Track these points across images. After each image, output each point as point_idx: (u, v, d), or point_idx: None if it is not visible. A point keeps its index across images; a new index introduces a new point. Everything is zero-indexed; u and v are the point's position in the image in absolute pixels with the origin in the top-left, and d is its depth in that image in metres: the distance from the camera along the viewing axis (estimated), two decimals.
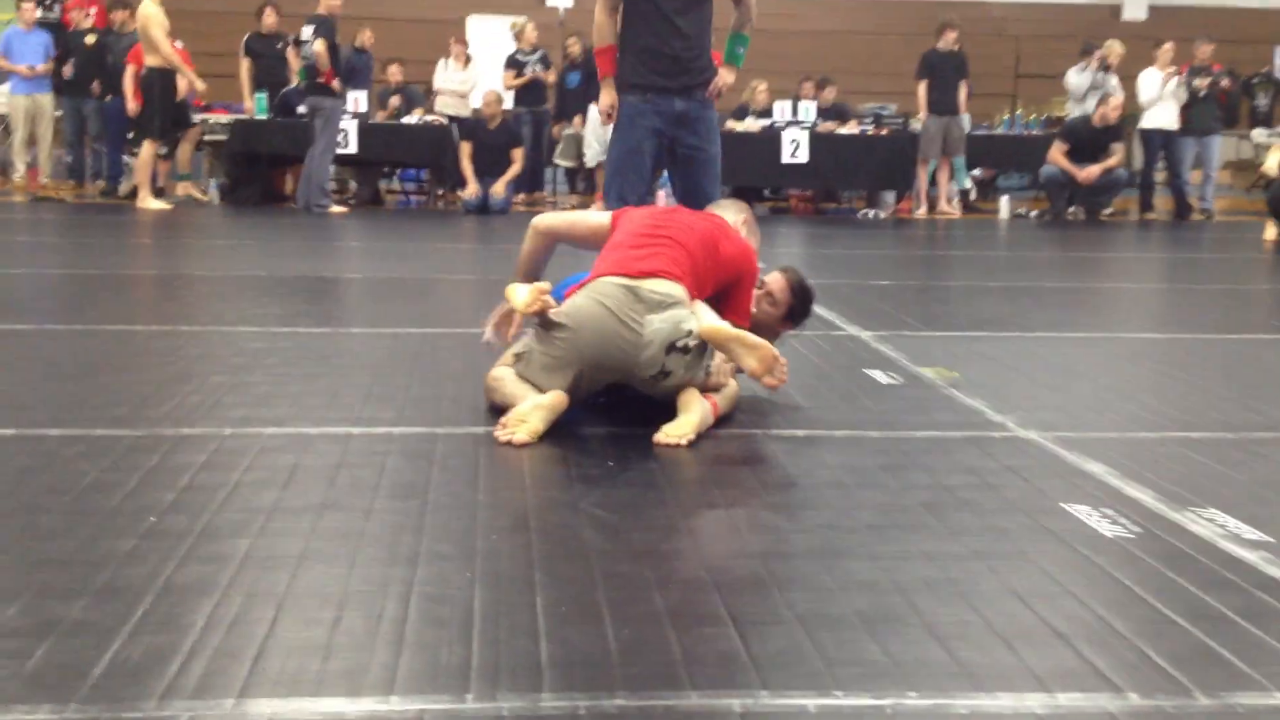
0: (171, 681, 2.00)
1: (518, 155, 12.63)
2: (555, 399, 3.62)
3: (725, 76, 5.36)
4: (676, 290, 3.77)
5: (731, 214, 4.31)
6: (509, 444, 3.50)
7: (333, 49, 11.59)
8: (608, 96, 5.24)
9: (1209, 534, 2.87)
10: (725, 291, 4.04)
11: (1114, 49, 13.53)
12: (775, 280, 4.30)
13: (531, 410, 3.58)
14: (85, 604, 2.31)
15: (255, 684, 2.01)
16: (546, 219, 4.32)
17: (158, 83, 11.59)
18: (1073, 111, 13.60)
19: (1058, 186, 12.73)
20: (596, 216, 4.31)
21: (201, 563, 2.55)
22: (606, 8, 5.30)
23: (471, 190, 12.42)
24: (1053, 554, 2.73)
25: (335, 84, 11.69)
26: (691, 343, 3.63)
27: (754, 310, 4.22)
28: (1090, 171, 12.46)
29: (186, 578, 2.46)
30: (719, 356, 3.75)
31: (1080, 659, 2.18)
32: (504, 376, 3.82)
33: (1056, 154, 12.56)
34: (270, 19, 12.83)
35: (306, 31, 11.67)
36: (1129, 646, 2.23)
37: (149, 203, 11.61)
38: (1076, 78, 13.53)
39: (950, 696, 2.02)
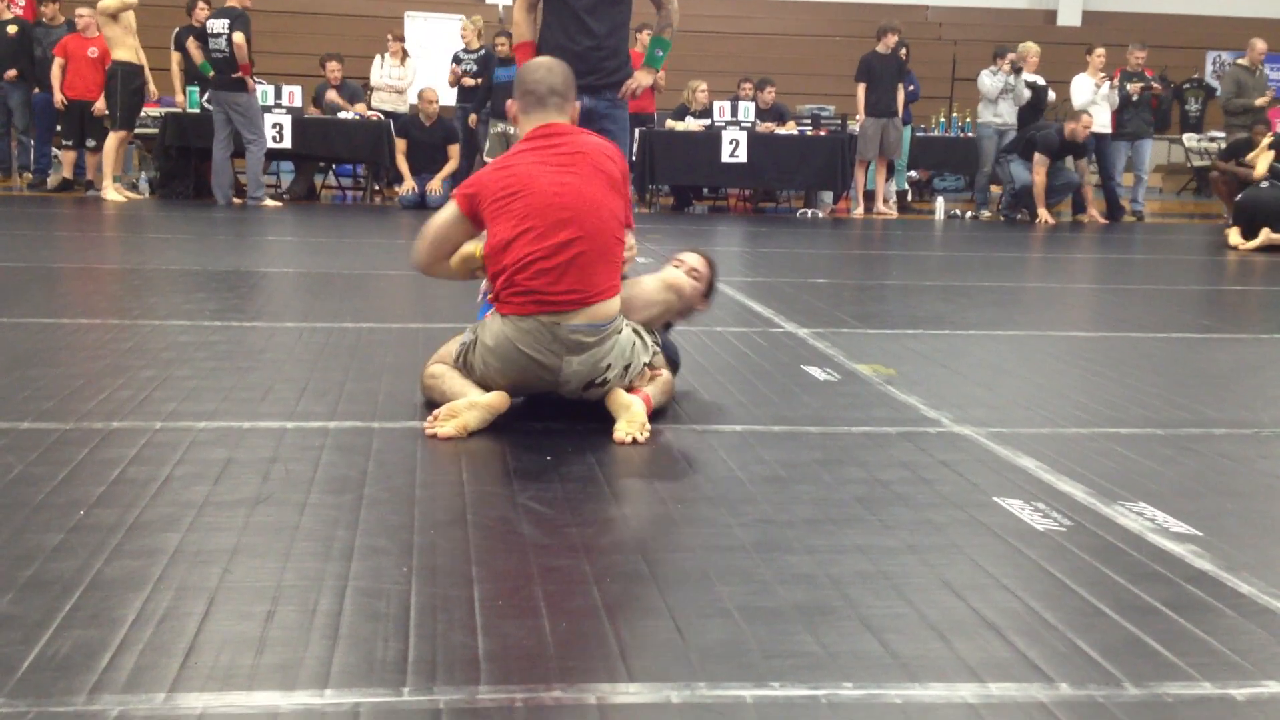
0: (101, 676, 1.97)
1: (454, 152, 12.60)
2: (496, 400, 3.61)
3: (641, 78, 5.48)
4: (598, 330, 3.65)
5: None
6: (434, 437, 3.49)
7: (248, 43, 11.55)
8: None
9: (1138, 527, 2.91)
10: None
11: (1030, 50, 13.69)
12: (697, 259, 4.25)
13: (467, 407, 3.57)
14: (11, 598, 2.27)
15: (187, 679, 1.98)
16: (416, 259, 3.97)
17: (121, 75, 11.57)
18: (984, 115, 13.73)
19: (1026, 193, 12.92)
20: (453, 221, 3.84)
21: (131, 557, 2.51)
22: (525, 5, 5.45)
23: (407, 187, 12.37)
24: (985, 547, 2.76)
25: (252, 82, 11.61)
26: (610, 376, 3.70)
27: (678, 289, 4.08)
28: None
29: (116, 572, 2.43)
30: (638, 361, 3.77)
31: (1012, 650, 2.20)
32: (442, 374, 3.80)
33: (1041, 170, 12.68)
34: (202, 13, 12.69)
35: (218, 25, 11.55)
36: (1060, 637, 2.26)
37: (111, 194, 11.54)
38: (990, 80, 13.69)
39: (884, 687, 2.04)
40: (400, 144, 12.38)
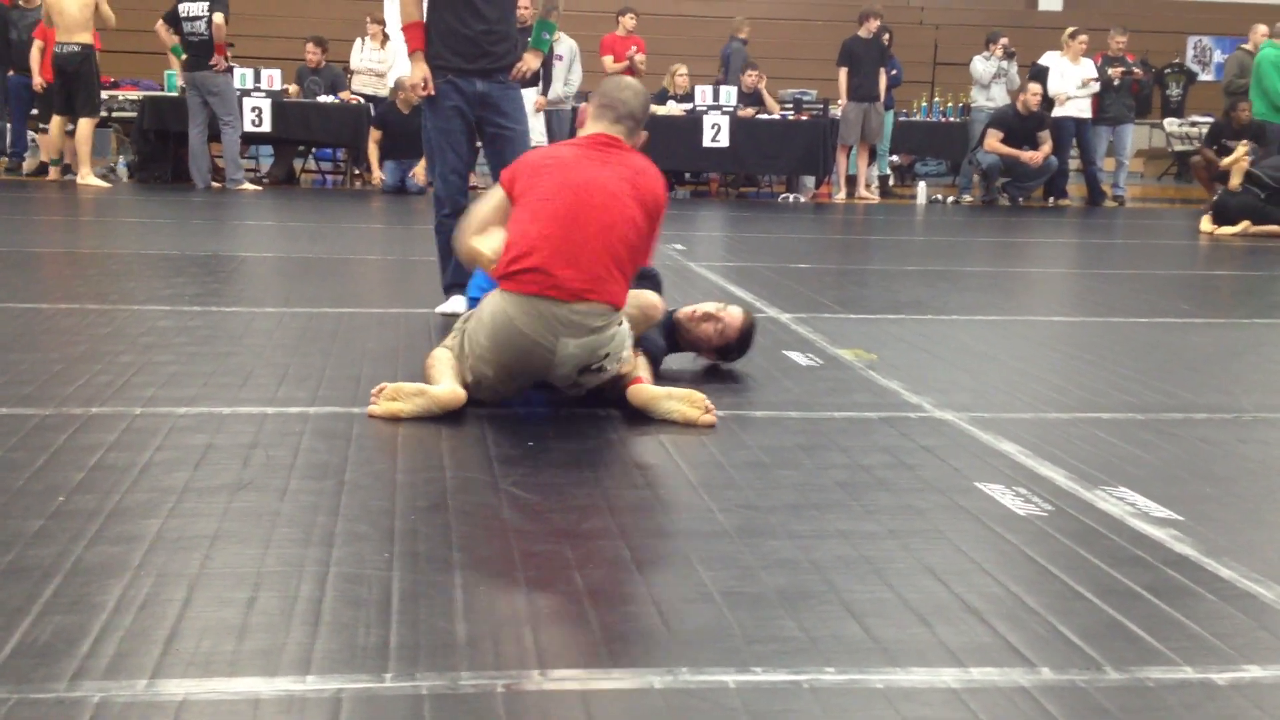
0: (82, 662, 1.96)
1: None
2: (446, 396, 3.59)
3: (530, 61, 5.55)
4: (599, 314, 3.62)
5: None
6: (368, 414, 3.54)
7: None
8: (418, 71, 5.31)
9: (1119, 512, 2.92)
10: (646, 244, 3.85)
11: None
12: (733, 319, 4.30)
13: (414, 393, 3.56)
14: None
15: (168, 665, 1.97)
16: (463, 242, 3.91)
17: (94, 59, 11.51)
18: (977, 99, 13.80)
19: (996, 173, 12.94)
20: (495, 201, 3.87)
21: (111, 543, 2.50)
22: None
23: (375, 177, 12.31)
24: (967, 532, 2.76)
25: (223, 62, 11.52)
26: (608, 365, 3.67)
27: (694, 326, 4.26)
28: (1035, 155, 12.68)
29: (96, 558, 2.42)
30: (626, 352, 3.75)
31: (993, 634, 2.21)
32: (434, 361, 3.78)
33: (994, 142, 12.73)
34: None
35: (195, 8, 11.45)
36: (1041, 622, 2.27)
37: (90, 179, 11.48)
38: (982, 65, 13.72)
39: (866, 672, 2.04)
40: (375, 134, 12.29)
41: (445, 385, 3.62)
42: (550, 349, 3.60)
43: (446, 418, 3.56)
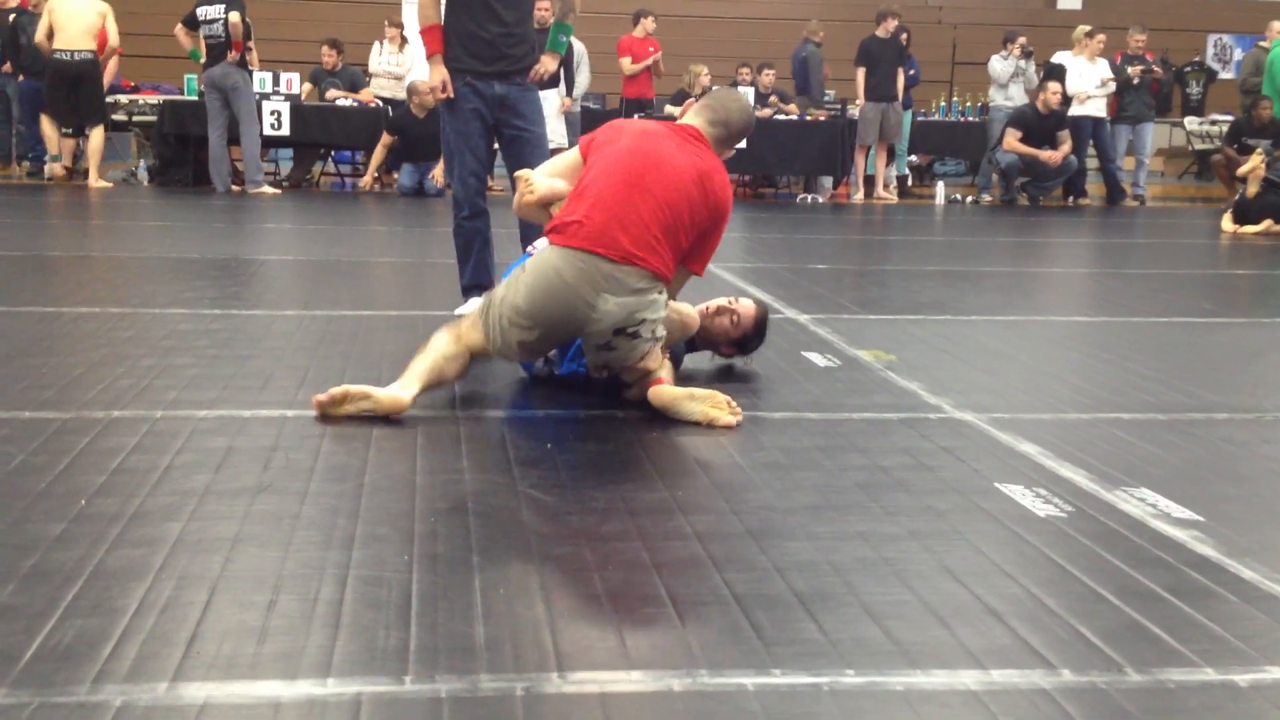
0: (104, 666, 1.97)
1: None
2: (388, 401, 3.59)
3: (547, 63, 5.56)
4: (643, 277, 3.66)
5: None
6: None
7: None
8: (437, 74, 5.33)
9: (1140, 513, 2.91)
10: (697, 239, 3.86)
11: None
12: (747, 309, 4.32)
13: (360, 396, 3.58)
14: (13, 588, 2.27)
15: (189, 668, 1.98)
16: (537, 192, 4.00)
17: (99, 68, 11.64)
18: (995, 98, 13.77)
19: (1015, 173, 12.90)
20: (567, 159, 4.05)
21: (133, 546, 2.51)
22: None
23: (366, 182, 12.33)
24: (987, 533, 2.75)
25: (241, 57, 11.55)
26: (644, 331, 3.67)
27: (710, 323, 4.26)
28: (1054, 155, 12.64)
29: (118, 561, 2.43)
30: (661, 330, 3.75)
31: (1014, 636, 2.20)
32: (425, 347, 3.78)
33: (1013, 142, 12.69)
34: None
35: (212, 11, 11.49)
36: (1062, 624, 2.26)
37: (101, 183, 11.61)
38: (1000, 65, 13.69)
39: (886, 674, 2.04)
40: (386, 139, 12.30)
41: (392, 390, 3.62)
42: (590, 304, 3.63)
43: (466, 419, 3.57)
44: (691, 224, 3.77)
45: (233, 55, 11.51)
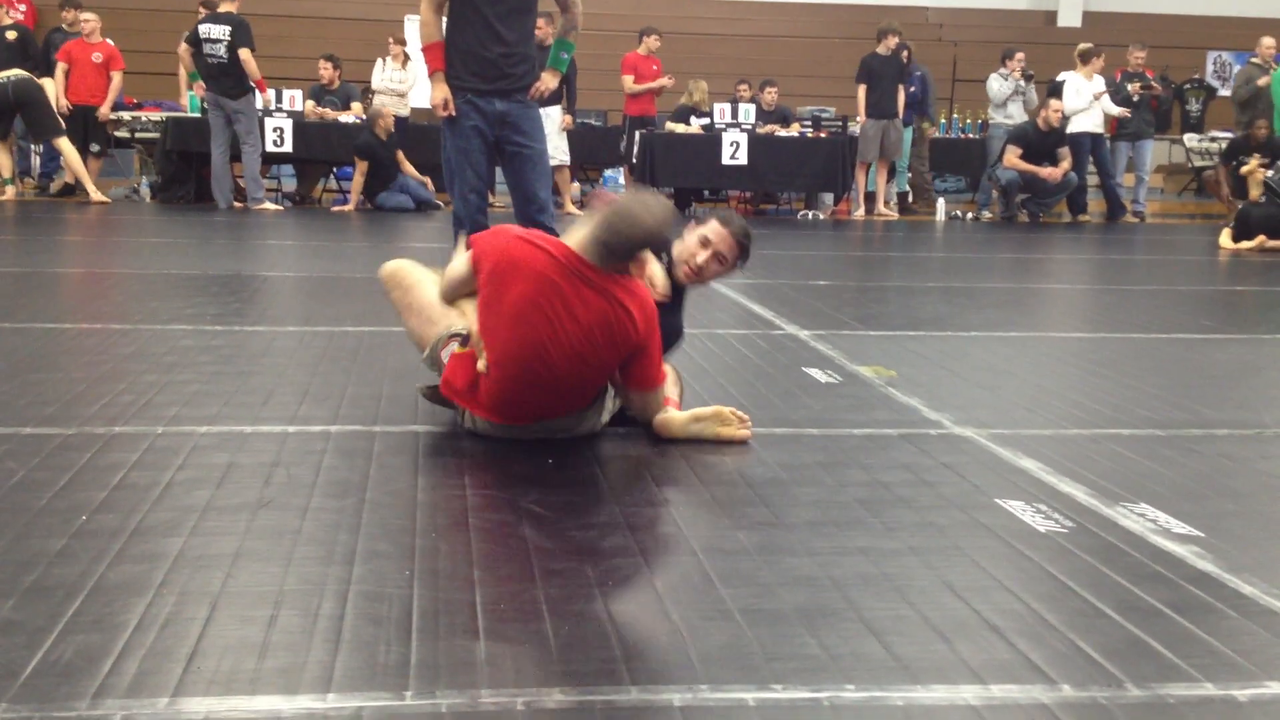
0: (104, 681, 1.98)
1: (401, 158, 12.48)
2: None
3: (548, 81, 5.60)
4: (572, 413, 3.59)
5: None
6: None
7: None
8: (438, 92, 5.35)
9: (1140, 528, 2.91)
10: (626, 366, 3.56)
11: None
12: (720, 237, 3.92)
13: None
14: (14, 603, 2.27)
15: (190, 683, 1.98)
16: (444, 289, 3.83)
17: (36, 84, 12.00)
18: (994, 116, 13.81)
19: (1015, 189, 12.93)
20: (459, 272, 3.72)
21: (134, 562, 2.51)
22: (432, 6, 5.54)
23: (349, 208, 12.31)
24: (987, 548, 2.76)
25: (245, 79, 11.63)
26: (603, 416, 3.67)
27: (699, 267, 3.93)
28: (1054, 171, 12.67)
29: (118, 577, 2.43)
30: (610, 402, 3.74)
31: (1014, 651, 2.20)
32: (415, 283, 3.79)
33: (1013, 158, 12.72)
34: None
35: (215, 30, 11.52)
36: (1062, 639, 2.26)
37: (100, 196, 11.79)
38: (998, 84, 13.74)
39: (886, 689, 2.04)
40: (361, 165, 12.29)
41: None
42: (546, 433, 3.58)
43: (466, 436, 3.58)
44: (608, 366, 3.51)
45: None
